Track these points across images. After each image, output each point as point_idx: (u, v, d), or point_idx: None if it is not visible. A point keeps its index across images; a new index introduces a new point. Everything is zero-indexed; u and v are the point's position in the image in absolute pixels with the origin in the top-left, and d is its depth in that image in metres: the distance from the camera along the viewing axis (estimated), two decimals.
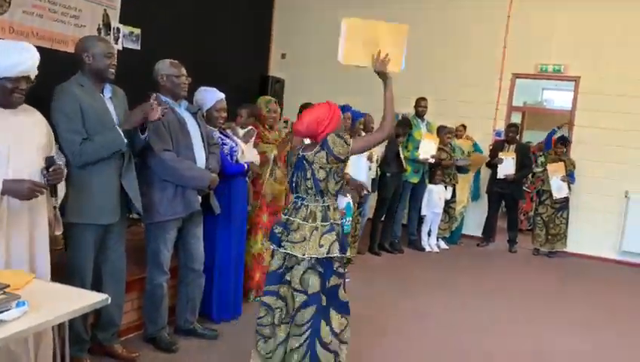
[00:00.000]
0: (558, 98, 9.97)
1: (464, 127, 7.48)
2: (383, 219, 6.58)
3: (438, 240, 7.04)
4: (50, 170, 2.38)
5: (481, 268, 6.36)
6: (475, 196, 7.70)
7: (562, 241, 7.15)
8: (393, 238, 6.75)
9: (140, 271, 3.56)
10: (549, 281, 6.08)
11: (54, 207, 2.50)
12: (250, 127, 4.21)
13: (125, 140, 2.83)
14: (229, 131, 3.98)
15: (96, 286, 2.94)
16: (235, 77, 7.07)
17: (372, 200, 6.57)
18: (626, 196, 7.09)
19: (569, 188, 7.05)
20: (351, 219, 5.20)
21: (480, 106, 7.78)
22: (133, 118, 2.90)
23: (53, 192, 2.46)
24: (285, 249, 2.76)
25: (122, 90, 3.10)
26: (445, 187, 6.87)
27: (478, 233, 7.63)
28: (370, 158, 5.61)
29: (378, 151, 6.02)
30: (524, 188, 8.00)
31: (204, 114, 3.68)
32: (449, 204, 6.98)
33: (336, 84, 8.53)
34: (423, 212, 6.87)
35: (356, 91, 8.13)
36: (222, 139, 3.80)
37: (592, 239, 7.21)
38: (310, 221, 2.74)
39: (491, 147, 7.47)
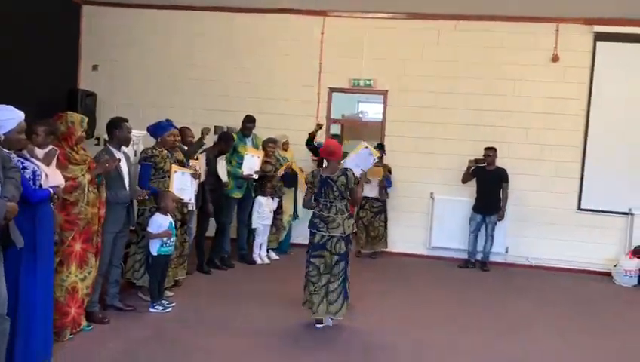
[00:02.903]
0: (371, 110, 10.74)
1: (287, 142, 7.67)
2: (210, 235, 6.43)
3: (268, 251, 7.11)
4: None
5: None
6: (295, 216, 7.73)
7: (382, 242, 7.71)
8: (223, 254, 6.64)
9: None
10: (374, 280, 6.46)
11: None
12: (50, 147, 3.72)
13: None
14: (25, 153, 3.50)
15: None
16: (38, 91, 6.39)
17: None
18: (431, 197, 7.90)
19: (386, 192, 7.63)
20: (175, 238, 5.00)
21: (302, 119, 8.08)
22: None
23: None
24: (329, 233, 4.59)
25: None
26: (272, 198, 6.97)
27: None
28: (194, 176, 5.43)
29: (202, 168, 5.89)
30: None
31: (2, 137, 3.20)
32: (276, 215, 7.09)
33: (155, 96, 8.26)
34: (254, 225, 6.88)
35: (175, 103, 7.99)
36: (22, 163, 3.35)
37: (407, 238, 7.89)
38: (340, 214, 4.61)
39: (315, 159, 7.77)
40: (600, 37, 7.54)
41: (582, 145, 7.63)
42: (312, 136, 7.27)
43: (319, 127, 7.36)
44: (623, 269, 7.12)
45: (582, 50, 7.58)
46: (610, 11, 7.27)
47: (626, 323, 5.49)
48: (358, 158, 5.67)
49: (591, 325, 5.32)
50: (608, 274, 7.34)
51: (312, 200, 4.73)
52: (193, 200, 5.49)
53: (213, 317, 4.80)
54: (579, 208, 7.65)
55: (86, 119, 4.23)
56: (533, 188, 7.68)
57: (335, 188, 4.60)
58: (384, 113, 8.16)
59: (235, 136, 6.64)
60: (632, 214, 7.48)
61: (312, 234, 4.68)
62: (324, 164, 4.98)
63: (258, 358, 3.96)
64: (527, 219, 7.68)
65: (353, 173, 4.72)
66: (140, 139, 5.56)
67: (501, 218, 7.40)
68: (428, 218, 7.94)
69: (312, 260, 4.66)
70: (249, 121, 6.81)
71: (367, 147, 5.85)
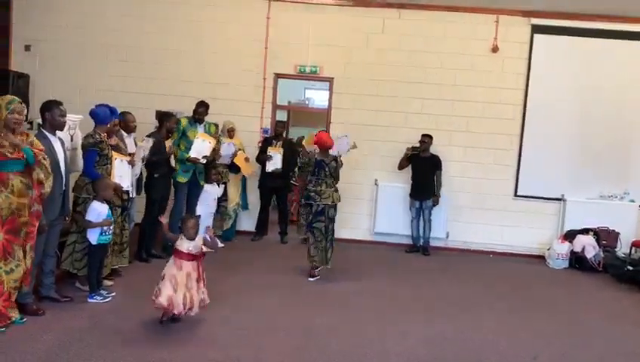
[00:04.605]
0: (317, 97, 10.77)
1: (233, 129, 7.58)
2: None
3: None
4: None
5: (253, 263, 6.51)
6: (244, 206, 7.83)
7: None
8: (165, 242, 6.50)
9: None
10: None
11: None
12: None
13: None
14: None
15: None
16: None
17: (139, 205, 6.25)
18: (375, 184, 8.02)
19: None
20: (114, 226, 4.86)
21: (248, 105, 8.01)
22: None
23: None
24: (323, 202, 5.88)
25: None
26: (218, 185, 6.89)
27: (252, 228, 7.83)
28: (131, 163, 5.29)
29: (142, 152, 5.75)
30: (292, 181, 8.47)
31: None
32: (220, 203, 7.01)
33: (93, 79, 8.01)
34: (198, 211, 6.77)
35: (114, 87, 7.72)
36: None
37: (352, 224, 7.99)
38: (329, 188, 5.93)
39: (260, 144, 7.73)
40: (537, 29, 7.82)
41: (519, 134, 7.93)
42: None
43: (269, 157, 7.45)
44: (556, 253, 7.49)
45: (520, 41, 7.84)
46: (548, 4, 7.55)
47: (557, 303, 5.78)
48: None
49: (525, 305, 5.57)
50: (542, 258, 7.70)
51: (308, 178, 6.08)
52: (131, 188, 5.37)
53: (152, 307, 4.69)
54: (515, 195, 7.97)
55: (16, 100, 3.98)
56: (473, 176, 7.93)
57: (327, 169, 5.93)
58: (330, 100, 8.18)
59: (183, 120, 6.49)
60: (564, 200, 7.86)
61: (309, 205, 5.98)
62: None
63: (199, 346, 3.92)
64: (467, 205, 7.94)
65: (341, 161, 6.13)
66: (76, 123, 5.33)
67: (436, 203, 7.60)
68: (372, 204, 8.06)
69: (314, 225, 5.96)
70: (200, 106, 6.60)
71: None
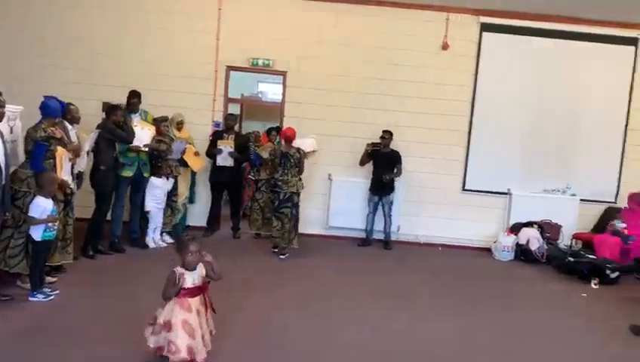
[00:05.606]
0: (271, 91, 10.69)
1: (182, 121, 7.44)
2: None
3: (162, 234, 6.87)
4: None
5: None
6: (191, 200, 7.68)
7: None
8: (113, 238, 6.33)
9: None
10: (272, 261, 6.53)
11: None
12: None
13: None
14: None
15: None
16: None
17: (84, 199, 6.05)
18: (329, 178, 8.05)
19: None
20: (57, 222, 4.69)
21: (199, 97, 7.88)
22: None
23: None
24: (289, 190, 6.63)
25: None
26: (167, 178, 6.74)
27: (204, 223, 7.71)
28: (76, 155, 5.11)
29: (88, 144, 5.57)
30: (250, 176, 8.39)
31: None
32: (171, 197, 6.87)
33: (36, 69, 7.70)
34: (147, 207, 6.62)
35: (58, 78, 7.43)
36: None
37: (305, 218, 7.90)
38: (293, 177, 6.66)
39: (211, 137, 7.61)
40: (486, 27, 8.02)
41: (467, 130, 8.13)
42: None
43: (219, 151, 7.36)
44: (502, 245, 7.73)
45: (469, 39, 8.02)
46: (496, 3, 7.74)
47: (502, 294, 5.97)
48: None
49: (471, 296, 5.72)
50: (489, 250, 7.94)
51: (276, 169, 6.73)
52: (73, 181, 5.24)
53: (100, 304, 4.57)
54: (463, 189, 8.18)
55: None
56: (423, 170, 8.08)
57: (292, 160, 6.61)
58: (283, 94, 8.14)
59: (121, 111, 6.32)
60: (510, 194, 8.13)
61: (277, 193, 6.68)
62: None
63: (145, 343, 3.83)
64: (418, 200, 8.08)
65: (303, 151, 6.81)
66: (16, 114, 5.08)
67: (394, 176, 7.60)
68: (325, 199, 8.09)
69: (281, 211, 6.69)
70: (133, 97, 6.56)
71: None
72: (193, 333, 3.31)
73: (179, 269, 3.40)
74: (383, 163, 7.64)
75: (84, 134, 5.69)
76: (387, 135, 7.65)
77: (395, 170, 7.64)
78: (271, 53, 7.95)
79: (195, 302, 3.39)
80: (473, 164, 8.14)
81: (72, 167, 5.25)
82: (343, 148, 7.97)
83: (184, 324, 3.29)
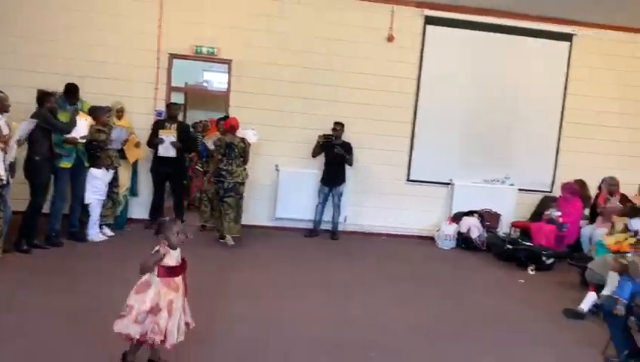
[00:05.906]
0: (216, 79, 10.47)
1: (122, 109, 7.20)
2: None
3: (102, 227, 6.63)
4: None
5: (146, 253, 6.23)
6: (132, 192, 7.49)
7: None
8: (50, 231, 6.05)
9: None
10: (219, 253, 6.44)
11: None
12: None
13: None
14: None
15: None
16: None
17: (20, 191, 5.76)
18: (276, 169, 7.99)
19: None
20: None
21: (140, 86, 7.64)
22: None
23: None
24: (233, 180, 6.72)
25: None
26: (107, 170, 6.51)
27: (146, 215, 7.50)
28: (6, 145, 4.84)
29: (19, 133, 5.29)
30: (197, 167, 8.21)
31: None
32: (112, 189, 6.64)
33: None
34: (87, 200, 6.36)
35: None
36: None
37: (252, 209, 7.81)
38: (238, 167, 6.74)
39: (152, 126, 7.39)
40: (429, 20, 8.15)
41: (411, 121, 8.26)
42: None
43: (161, 141, 7.21)
44: (444, 234, 7.94)
45: (414, 32, 8.13)
46: None
47: (444, 281, 6.15)
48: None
49: (414, 283, 5.85)
50: (432, 239, 8.13)
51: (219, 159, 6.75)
52: (4, 173, 4.99)
53: (34, 299, 4.36)
54: (408, 179, 8.33)
55: None
56: (370, 161, 8.15)
57: (236, 150, 6.66)
58: (229, 83, 7.99)
59: (57, 100, 6.04)
60: (452, 184, 8.34)
61: (221, 182, 6.71)
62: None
63: (81, 339, 3.69)
64: (364, 190, 8.16)
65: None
66: None
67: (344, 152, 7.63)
68: (272, 190, 8.03)
69: (225, 200, 6.73)
70: (70, 89, 6.29)
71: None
72: (173, 313, 3.20)
73: (162, 249, 3.29)
74: (335, 155, 7.64)
75: (15, 123, 5.39)
76: (338, 126, 7.67)
77: (347, 161, 7.70)
78: (216, 41, 7.79)
79: (179, 281, 3.29)
80: (417, 155, 8.29)
81: (4, 158, 4.99)
82: (292, 139, 7.93)
83: (169, 304, 3.19)
